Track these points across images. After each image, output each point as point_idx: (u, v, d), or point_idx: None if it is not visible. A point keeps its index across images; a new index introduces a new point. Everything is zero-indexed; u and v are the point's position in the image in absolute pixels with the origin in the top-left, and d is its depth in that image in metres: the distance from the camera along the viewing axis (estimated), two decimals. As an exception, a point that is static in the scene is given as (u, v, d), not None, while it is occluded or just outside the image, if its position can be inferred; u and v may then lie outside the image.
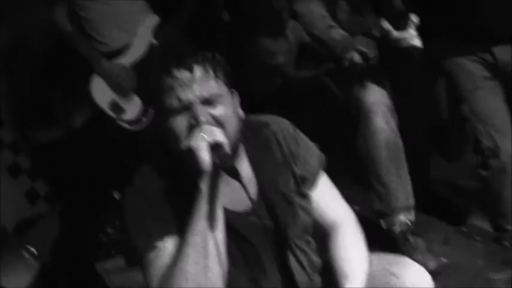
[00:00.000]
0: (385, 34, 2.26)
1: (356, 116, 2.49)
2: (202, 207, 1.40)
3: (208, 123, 1.44)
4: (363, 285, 1.54)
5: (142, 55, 2.92)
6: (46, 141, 3.36)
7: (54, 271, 2.72)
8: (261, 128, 1.63)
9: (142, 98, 2.93)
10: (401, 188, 2.49)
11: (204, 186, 1.40)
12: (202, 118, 1.44)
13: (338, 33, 2.45)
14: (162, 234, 1.45)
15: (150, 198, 1.49)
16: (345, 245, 1.62)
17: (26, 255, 2.59)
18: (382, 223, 2.51)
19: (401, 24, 2.26)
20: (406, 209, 2.52)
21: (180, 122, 1.46)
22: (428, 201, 2.74)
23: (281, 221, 1.57)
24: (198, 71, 1.48)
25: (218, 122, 1.46)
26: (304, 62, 3.34)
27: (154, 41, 2.93)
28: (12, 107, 3.37)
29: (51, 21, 2.88)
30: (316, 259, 1.65)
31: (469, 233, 2.69)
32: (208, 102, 1.47)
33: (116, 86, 2.88)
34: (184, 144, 1.43)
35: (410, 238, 2.48)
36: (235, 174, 1.42)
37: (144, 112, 2.94)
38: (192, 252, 1.38)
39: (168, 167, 1.53)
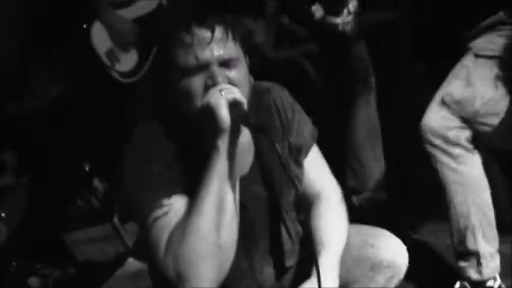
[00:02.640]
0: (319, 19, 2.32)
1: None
2: (220, 165, 1.38)
3: (224, 84, 1.42)
4: (339, 256, 1.56)
5: (150, 11, 2.90)
6: (18, 112, 3.30)
7: (22, 239, 2.67)
8: (262, 94, 1.62)
9: (140, 52, 2.90)
10: (376, 166, 2.52)
11: (222, 144, 1.37)
12: (220, 79, 1.41)
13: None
14: (170, 193, 1.41)
15: (157, 157, 1.46)
16: (326, 216, 1.64)
17: (-4, 218, 2.53)
18: (354, 199, 2.55)
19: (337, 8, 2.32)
20: (379, 187, 2.56)
21: (196, 81, 1.43)
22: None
23: (276, 188, 1.59)
24: (218, 31, 1.44)
25: (233, 85, 1.43)
26: (282, 44, 3.35)
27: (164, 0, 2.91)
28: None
29: None
30: (299, 228, 1.68)
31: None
32: (225, 64, 1.44)
33: (117, 37, 2.85)
34: (202, 102, 1.41)
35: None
36: (253, 130, 1.44)
37: (138, 66, 2.90)
38: (207, 210, 1.35)
39: (176, 125, 1.50)
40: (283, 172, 1.54)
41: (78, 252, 2.81)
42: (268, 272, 1.60)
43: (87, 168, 2.95)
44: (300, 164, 1.64)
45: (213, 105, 1.37)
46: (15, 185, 3.19)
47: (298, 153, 1.64)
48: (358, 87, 2.64)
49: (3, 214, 2.59)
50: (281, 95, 1.66)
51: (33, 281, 2.70)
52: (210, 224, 1.35)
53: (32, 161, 3.23)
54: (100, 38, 2.83)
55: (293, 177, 1.58)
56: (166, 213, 1.39)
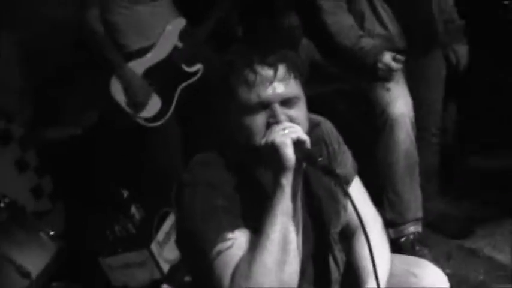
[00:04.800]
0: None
1: (380, 127, 2.56)
2: (284, 203, 1.39)
3: (286, 123, 1.44)
4: (385, 284, 1.59)
5: (165, 56, 2.99)
6: (54, 139, 3.39)
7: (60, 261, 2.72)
8: (313, 127, 1.64)
9: (162, 97, 2.98)
10: (413, 199, 2.58)
11: (286, 182, 1.39)
12: (282, 117, 1.44)
13: (367, 42, 2.54)
14: (232, 227, 1.42)
15: (218, 189, 1.46)
16: (370, 247, 1.66)
17: (44, 236, 2.58)
18: (391, 232, 2.58)
19: None
20: (416, 220, 2.62)
21: (258, 119, 1.45)
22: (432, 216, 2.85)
23: (325, 217, 1.62)
24: (281, 69, 1.46)
25: (294, 123, 1.45)
26: (314, 81, 3.44)
27: (179, 44, 3.01)
28: (25, 103, 3.41)
29: (81, 22, 2.92)
30: (344, 257, 1.71)
31: (471, 249, 2.76)
32: (286, 102, 1.46)
33: (130, 96, 2.92)
34: (266, 140, 1.42)
35: (417, 248, 2.58)
36: (319, 168, 1.42)
37: (162, 111, 2.98)
38: (272, 247, 1.36)
39: (234, 159, 1.52)
40: (332, 202, 1.59)
41: (113, 277, 2.85)
42: None
43: (125, 195, 3.01)
44: (346, 193, 1.64)
45: (278, 144, 1.39)
46: (51, 210, 3.28)
47: (343, 184, 1.66)
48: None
49: (52, 232, 2.63)
50: (328, 128, 1.71)
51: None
52: (275, 260, 1.36)
53: (68, 188, 3.33)
54: (118, 90, 2.92)
55: (340, 207, 1.63)
56: (230, 247, 1.40)
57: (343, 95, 3.21)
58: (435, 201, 2.92)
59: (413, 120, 2.53)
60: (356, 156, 1.78)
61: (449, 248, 2.76)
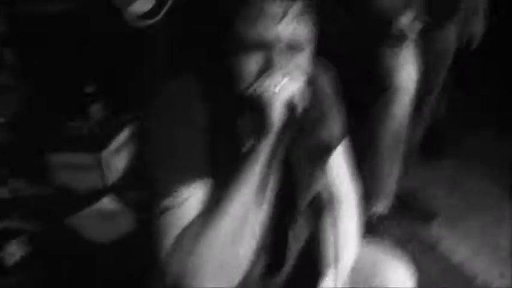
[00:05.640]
0: None
1: (379, 91, 2.32)
2: (255, 174, 1.21)
3: (283, 72, 1.21)
4: (346, 273, 1.47)
5: None
6: (31, 12, 3.08)
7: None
8: (309, 82, 1.40)
9: None
10: (388, 181, 2.43)
11: (264, 149, 1.21)
12: (280, 66, 1.21)
13: None
14: (191, 179, 1.23)
15: (195, 121, 1.27)
16: (337, 227, 1.48)
17: None
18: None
19: None
20: (385, 201, 2.49)
21: (252, 62, 1.22)
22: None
23: (297, 184, 1.41)
24: (297, 5, 1.20)
25: (294, 70, 1.24)
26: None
27: None
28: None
29: None
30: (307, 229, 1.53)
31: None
32: (292, 46, 1.22)
33: None
34: (253, 91, 1.21)
35: (380, 228, 2.47)
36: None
37: (155, 9, 2.63)
38: (227, 223, 1.20)
39: (216, 95, 1.30)
40: (308, 171, 1.40)
41: (55, 175, 2.65)
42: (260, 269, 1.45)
43: (87, 90, 2.75)
44: (324, 163, 1.48)
45: (265, 102, 1.19)
46: (11, 86, 3.04)
47: (324, 151, 1.47)
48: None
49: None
50: (325, 83, 1.48)
51: (3, 192, 2.57)
52: (225, 240, 1.20)
53: (35, 67, 3.06)
54: None
55: (318, 174, 1.44)
56: (180, 205, 1.22)
57: (348, 39, 2.94)
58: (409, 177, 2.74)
59: (412, 97, 2.32)
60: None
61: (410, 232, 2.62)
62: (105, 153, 2.60)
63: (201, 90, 1.31)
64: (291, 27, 1.20)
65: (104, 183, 2.61)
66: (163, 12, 2.66)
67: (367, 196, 2.36)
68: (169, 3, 2.68)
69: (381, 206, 2.46)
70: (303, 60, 1.25)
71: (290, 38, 1.21)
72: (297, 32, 1.22)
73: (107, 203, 2.54)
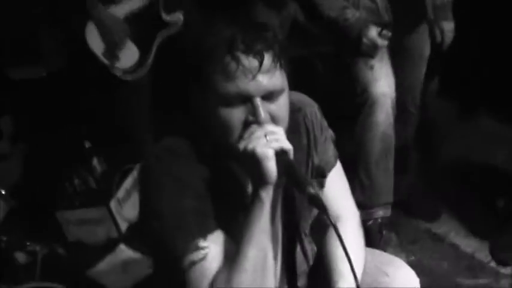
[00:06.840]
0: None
1: (359, 105, 2.43)
2: (263, 220, 1.28)
3: (266, 121, 1.28)
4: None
5: (145, 4, 2.75)
6: (23, 77, 3.19)
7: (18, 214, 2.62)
8: (293, 112, 1.46)
9: (140, 48, 2.77)
10: (385, 184, 2.49)
11: (266, 196, 1.27)
12: (263, 116, 1.27)
13: (352, 14, 2.37)
14: (205, 233, 1.31)
15: (190, 188, 1.33)
16: (343, 243, 1.58)
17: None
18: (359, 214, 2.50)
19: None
20: (386, 204, 2.54)
21: (236, 114, 1.29)
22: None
23: (297, 212, 1.52)
24: (267, 59, 1.27)
25: (274, 119, 1.31)
26: (295, 41, 3.27)
27: None
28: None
29: None
30: (315, 247, 1.63)
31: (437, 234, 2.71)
32: (268, 96, 1.29)
33: (107, 36, 2.70)
34: (246, 146, 1.26)
35: (384, 232, 2.51)
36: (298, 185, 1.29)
37: (140, 63, 2.77)
38: (250, 268, 1.28)
39: (209, 151, 1.37)
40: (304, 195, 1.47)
41: (69, 232, 2.75)
42: None
43: (86, 146, 2.86)
44: (322, 185, 1.58)
45: (259, 156, 1.25)
46: (10, 153, 3.13)
47: (321, 174, 1.58)
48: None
49: (3, 191, 2.50)
50: (311, 112, 1.56)
51: (20, 256, 2.65)
52: (251, 279, 1.28)
53: (31, 131, 3.16)
54: (94, 38, 2.69)
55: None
56: (203, 258, 1.30)
57: (325, 58, 3.07)
58: (408, 179, 2.85)
59: (394, 101, 2.41)
60: (333, 126, 1.65)
61: (416, 232, 2.71)
62: (113, 203, 2.71)
63: (195, 152, 1.38)
64: (266, 78, 1.27)
65: (118, 232, 2.71)
66: (149, 63, 2.80)
67: (368, 202, 2.49)
68: (152, 53, 2.81)
69: (383, 210, 2.53)
70: (281, 107, 1.33)
71: (267, 89, 1.28)
72: (273, 80, 1.29)
73: (123, 250, 2.64)
